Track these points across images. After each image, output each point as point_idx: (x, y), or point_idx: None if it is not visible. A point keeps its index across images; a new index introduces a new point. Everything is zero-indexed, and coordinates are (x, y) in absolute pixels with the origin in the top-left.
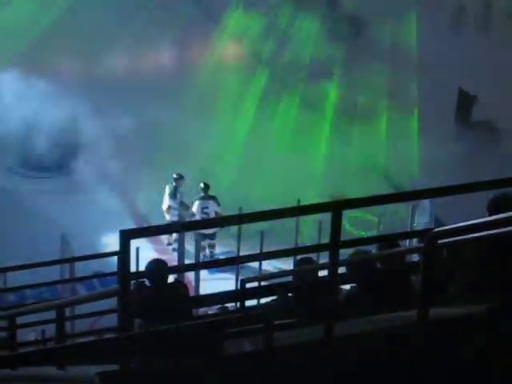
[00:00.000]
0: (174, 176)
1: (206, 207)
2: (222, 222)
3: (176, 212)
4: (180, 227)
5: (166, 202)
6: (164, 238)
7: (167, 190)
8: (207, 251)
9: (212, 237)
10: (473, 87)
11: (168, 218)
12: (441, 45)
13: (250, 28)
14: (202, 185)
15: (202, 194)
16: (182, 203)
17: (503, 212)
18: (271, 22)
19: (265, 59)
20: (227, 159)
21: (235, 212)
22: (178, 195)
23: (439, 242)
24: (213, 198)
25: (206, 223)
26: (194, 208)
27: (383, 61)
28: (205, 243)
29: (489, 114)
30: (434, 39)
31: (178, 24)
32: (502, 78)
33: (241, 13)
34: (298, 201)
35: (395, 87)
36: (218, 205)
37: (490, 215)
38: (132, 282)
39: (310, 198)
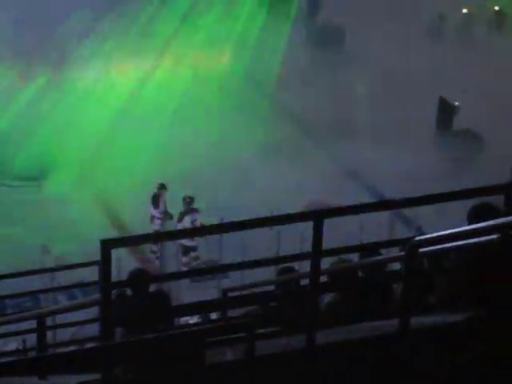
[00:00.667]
0: (157, 185)
1: (195, 219)
2: (203, 231)
3: (159, 221)
4: (161, 237)
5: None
6: (147, 246)
7: (150, 199)
8: (193, 264)
9: (194, 249)
10: (454, 96)
11: (152, 227)
12: (420, 54)
13: (226, 35)
14: (187, 198)
15: (188, 207)
16: (165, 212)
17: (483, 221)
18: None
19: (241, 66)
20: (204, 167)
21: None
22: (161, 204)
23: (420, 250)
24: (197, 210)
25: (188, 233)
26: (186, 222)
27: (362, 69)
28: (189, 257)
29: (471, 123)
30: (413, 48)
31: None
32: (484, 86)
33: (217, 19)
34: (277, 211)
35: (373, 95)
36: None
37: (470, 224)
38: (114, 291)
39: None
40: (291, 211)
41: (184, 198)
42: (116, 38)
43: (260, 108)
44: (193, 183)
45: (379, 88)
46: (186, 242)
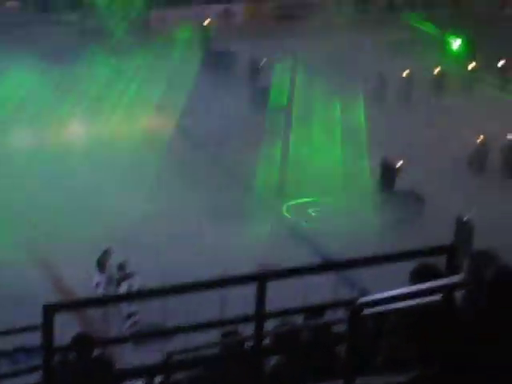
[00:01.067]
0: (103, 250)
1: (132, 285)
2: (147, 295)
3: (103, 286)
4: (104, 301)
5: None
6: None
7: (96, 264)
8: (135, 328)
9: (135, 314)
10: (396, 157)
11: (97, 292)
12: (364, 116)
13: (171, 100)
14: (119, 265)
15: (124, 273)
16: (110, 277)
17: (426, 282)
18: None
19: (186, 130)
20: (151, 230)
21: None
22: (107, 270)
23: (364, 312)
24: (133, 274)
25: (131, 296)
26: (123, 288)
27: (306, 130)
28: (131, 321)
29: (413, 184)
30: (354, 109)
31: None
32: (426, 148)
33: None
34: (223, 271)
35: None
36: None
37: (413, 285)
38: (58, 355)
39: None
40: (240, 273)
41: (119, 265)
42: (62, 101)
43: (206, 170)
44: (140, 247)
45: (322, 147)
46: (127, 306)
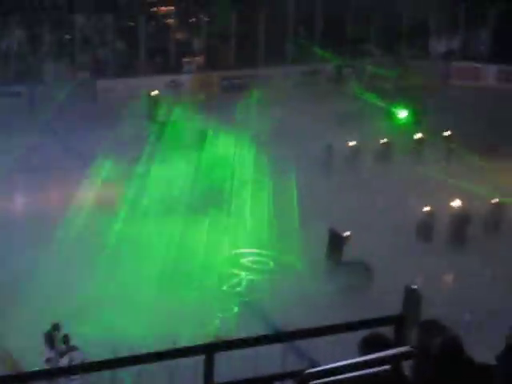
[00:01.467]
0: (51, 325)
1: (73, 358)
2: (94, 367)
3: (53, 360)
4: (51, 374)
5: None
6: None
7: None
8: None
9: None
10: (344, 226)
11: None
12: (309, 183)
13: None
14: (62, 338)
15: (66, 346)
16: (60, 353)
17: (374, 352)
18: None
19: (132, 200)
20: (102, 299)
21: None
22: (56, 346)
23: (311, 382)
24: (76, 348)
25: (78, 369)
26: (63, 362)
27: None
28: None
29: (360, 253)
30: (301, 177)
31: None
32: (373, 217)
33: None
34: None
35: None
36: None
37: (361, 355)
38: None
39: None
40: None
41: (62, 338)
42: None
43: (152, 239)
44: (87, 319)
45: (265, 215)
46: (69, 381)
